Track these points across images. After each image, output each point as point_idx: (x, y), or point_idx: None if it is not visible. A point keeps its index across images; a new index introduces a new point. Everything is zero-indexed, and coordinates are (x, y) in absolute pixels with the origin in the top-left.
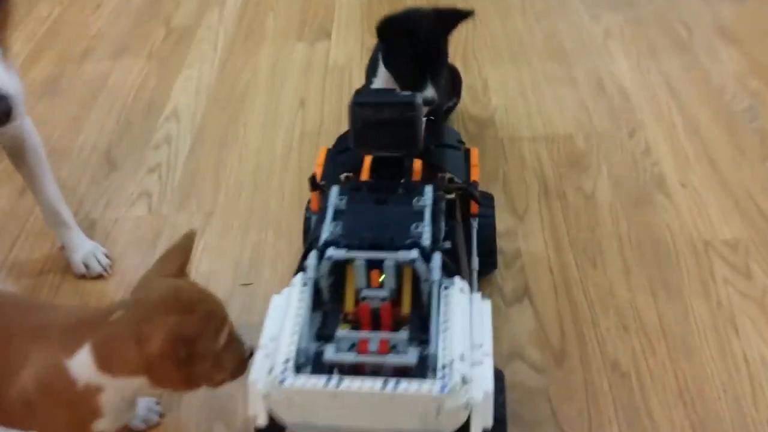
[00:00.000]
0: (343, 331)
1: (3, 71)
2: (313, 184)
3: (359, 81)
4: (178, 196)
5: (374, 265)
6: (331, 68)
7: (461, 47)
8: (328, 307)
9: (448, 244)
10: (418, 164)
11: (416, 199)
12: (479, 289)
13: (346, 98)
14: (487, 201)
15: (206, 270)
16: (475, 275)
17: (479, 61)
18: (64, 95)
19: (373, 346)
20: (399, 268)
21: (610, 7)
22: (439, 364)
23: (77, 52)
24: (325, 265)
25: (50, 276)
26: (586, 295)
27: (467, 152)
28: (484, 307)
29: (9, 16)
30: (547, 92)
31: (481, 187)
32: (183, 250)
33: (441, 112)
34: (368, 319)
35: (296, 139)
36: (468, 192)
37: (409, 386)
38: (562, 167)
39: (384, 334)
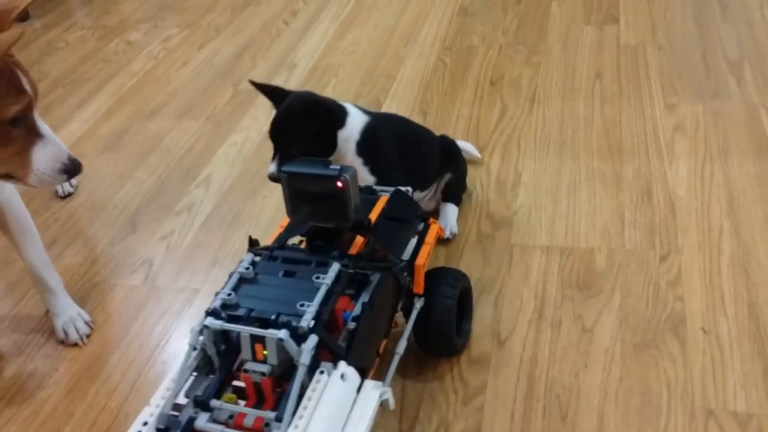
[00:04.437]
0: (219, 401)
1: (61, 143)
2: (250, 243)
3: None
4: (175, 267)
5: (260, 338)
6: None
7: (507, 132)
8: (219, 374)
9: (352, 325)
10: (360, 239)
11: (318, 275)
12: (390, 377)
13: None
14: (449, 280)
15: (174, 348)
16: (395, 359)
17: (521, 151)
18: (122, 151)
19: (249, 422)
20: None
21: (693, 93)
22: None
23: (150, 109)
24: (205, 334)
25: (37, 336)
26: None
27: (425, 228)
28: (370, 398)
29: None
30: (584, 194)
31: (476, 299)
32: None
33: None
34: (252, 393)
35: None
36: (389, 272)
37: None
38: (569, 288)
39: (261, 412)
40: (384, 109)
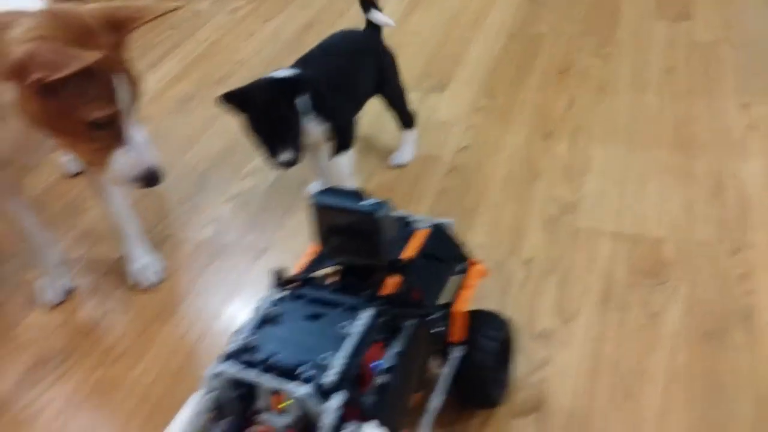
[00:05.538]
0: None
1: (150, 146)
2: (277, 279)
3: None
4: (242, 227)
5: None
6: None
7: (575, 120)
8: (232, 422)
9: (383, 378)
10: (394, 279)
11: (346, 322)
12: None
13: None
14: (489, 328)
15: (240, 301)
16: (429, 416)
17: (590, 138)
18: (191, 115)
19: None
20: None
21: None
22: None
23: (217, 76)
24: (221, 380)
25: (111, 278)
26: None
27: (466, 269)
28: None
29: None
30: (653, 185)
31: (530, 283)
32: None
33: None
34: None
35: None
36: (423, 321)
37: None
38: (636, 275)
39: None
40: (448, 92)
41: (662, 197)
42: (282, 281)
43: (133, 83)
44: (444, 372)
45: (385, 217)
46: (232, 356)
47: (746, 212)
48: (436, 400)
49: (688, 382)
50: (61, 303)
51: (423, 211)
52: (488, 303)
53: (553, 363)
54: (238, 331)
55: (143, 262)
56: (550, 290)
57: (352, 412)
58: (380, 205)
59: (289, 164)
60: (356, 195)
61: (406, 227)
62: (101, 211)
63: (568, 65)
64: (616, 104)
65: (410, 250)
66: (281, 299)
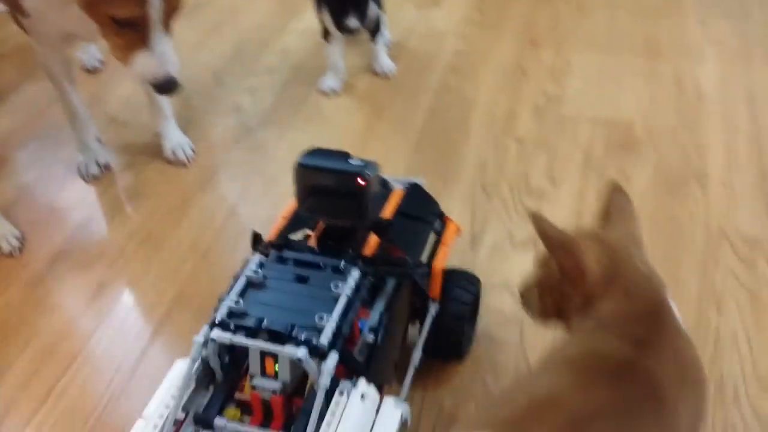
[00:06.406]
0: (224, 420)
1: (173, 58)
2: (255, 242)
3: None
4: (263, 114)
5: (270, 352)
6: None
7: (558, 31)
8: (221, 387)
9: (370, 337)
10: (374, 239)
11: (336, 283)
12: (410, 386)
13: None
14: (464, 284)
15: (269, 172)
16: (410, 372)
17: (571, 46)
18: (197, 20)
19: None
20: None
21: (723, 14)
22: None
23: None
24: (210, 347)
25: (144, 156)
26: None
27: (441, 227)
28: (392, 416)
29: (178, 11)
30: (626, 83)
31: (524, 155)
32: None
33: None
34: (260, 410)
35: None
36: (410, 278)
37: None
38: (612, 149)
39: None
40: (443, 8)
41: (633, 92)
42: (263, 245)
43: None
44: (423, 327)
45: (373, 178)
46: (221, 323)
47: (702, 102)
48: (416, 355)
49: (654, 227)
50: (99, 177)
51: (428, 103)
52: (488, 171)
53: (546, 211)
54: (223, 298)
55: (177, 139)
56: (541, 160)
57: (341, 369)
58: (368, 165)
59: (353, 31)
60: (343, 155)
61: (383, 187)
62: (121, 101)
63: None
64: (594, 20)
65: (388, 210)
66: (263, 264)
